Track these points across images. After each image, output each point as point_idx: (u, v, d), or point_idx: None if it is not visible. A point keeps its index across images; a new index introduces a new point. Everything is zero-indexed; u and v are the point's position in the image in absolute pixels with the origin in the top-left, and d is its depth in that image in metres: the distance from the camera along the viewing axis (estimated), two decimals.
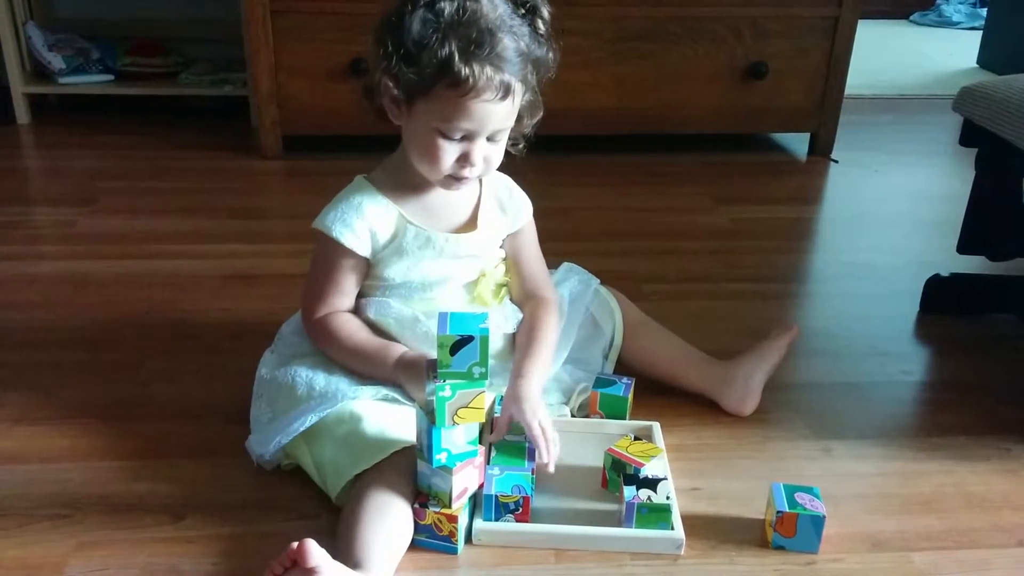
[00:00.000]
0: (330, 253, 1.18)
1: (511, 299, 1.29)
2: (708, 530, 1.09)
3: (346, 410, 1.11)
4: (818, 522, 1.05)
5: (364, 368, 1.17)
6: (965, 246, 1.64)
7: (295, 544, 0.90)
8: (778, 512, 1.05)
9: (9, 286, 1.68)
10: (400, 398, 1.14)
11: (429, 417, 1.01)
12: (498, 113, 1.08)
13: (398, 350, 1.16)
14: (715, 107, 2.51)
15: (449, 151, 1.10)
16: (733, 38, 2.44)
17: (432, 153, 1.10)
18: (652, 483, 1.07)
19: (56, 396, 1.32)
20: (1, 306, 1.60)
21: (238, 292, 1.68)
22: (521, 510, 1.05)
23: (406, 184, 1.19)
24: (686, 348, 1.37)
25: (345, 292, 1.20)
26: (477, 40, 1.04)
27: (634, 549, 1.05)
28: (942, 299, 1.67)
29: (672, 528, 1.05)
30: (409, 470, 1.05)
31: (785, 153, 2.65)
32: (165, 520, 1.08)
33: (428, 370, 1.03)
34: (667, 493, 1.06)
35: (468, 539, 1.05)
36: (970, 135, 1.56)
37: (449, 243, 1.19)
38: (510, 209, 1.25)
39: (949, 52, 4.15)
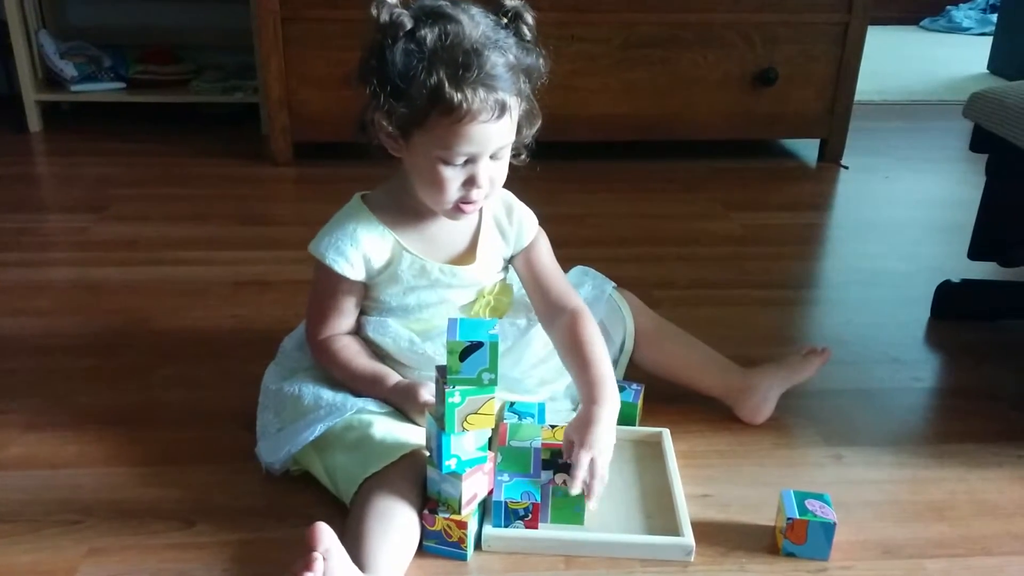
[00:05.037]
0: (326, 278, 1.18)
1: (539, 320, 1.25)
2: (718, 537, 1.09)
3: (355, 417, 1.12)
4: (829, 529, 1.04)
5: (362, 391, 1.17)
6: (976, 252, 1.64)
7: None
8: (788, 519, 1.05)
9: (21, 293, 1.69)
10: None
11: (439, 423, 1.01)
12: (497, 132, 1.06)
13: (392, 379, 1.17)
14: (725, 113, 2.51)
15: (454, 178, 1.08)
16: (743, 44, 2.44)
17: (437, 182, 1.09)
18: (568, 468, 1.06)
19: (67, 402, 1.33)
20: (13, 312, 1.61)
21: (249, 299, 1.68)
22: (531, 516, 1.05)
23: (406, 209, 1.18)
24: (705, 352, 1.35)
25: (345, 313, 1.21)
26: (464, 63, 1.02)
27: (644, 556, 1.05)
28: (953, 305, 1.66)
29: (583, 514, 1.05)
30: (415, 475, 1.05)
31: (795, 159, 2.65)
32: (176, 526, 1.09)
33: (438, 376, 1.03)
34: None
35: (478, 545, 1.05)
36: (981, 141, 1.56)
37: (444, 274, 1.19)
38: (510, 233, 1.23)
39: (959, 58, 4.14)
